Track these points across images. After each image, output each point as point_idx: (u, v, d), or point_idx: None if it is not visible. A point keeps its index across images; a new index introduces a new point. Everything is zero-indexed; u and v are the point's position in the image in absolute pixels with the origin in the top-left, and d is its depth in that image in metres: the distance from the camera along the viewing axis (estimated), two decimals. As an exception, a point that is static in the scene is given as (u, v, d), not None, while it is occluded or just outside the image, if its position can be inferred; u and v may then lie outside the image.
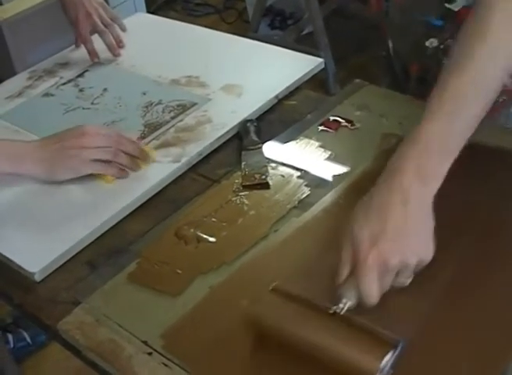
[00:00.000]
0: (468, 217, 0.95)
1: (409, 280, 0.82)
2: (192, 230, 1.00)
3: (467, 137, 0.85)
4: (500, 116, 1.36)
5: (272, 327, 0.80)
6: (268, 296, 0.83)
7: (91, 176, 1.10)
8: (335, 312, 0.79)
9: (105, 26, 1.44)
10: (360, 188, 1.02)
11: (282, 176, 1.08)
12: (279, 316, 0.81)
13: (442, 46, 1.24)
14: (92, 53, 1.45)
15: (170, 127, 1.21)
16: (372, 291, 0.79)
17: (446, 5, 1.20)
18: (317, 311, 0.80)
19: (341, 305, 0.79)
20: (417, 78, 1.33)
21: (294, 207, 1.02)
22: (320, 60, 1.36)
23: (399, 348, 0.76)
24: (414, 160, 0.83)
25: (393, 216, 0.80)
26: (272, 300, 0.83)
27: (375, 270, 0.78)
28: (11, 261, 0.99)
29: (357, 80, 1.28)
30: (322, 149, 1.13)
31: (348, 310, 0.79)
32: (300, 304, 0.81)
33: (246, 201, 1.04)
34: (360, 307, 0.80)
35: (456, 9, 1.19)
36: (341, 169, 1.08)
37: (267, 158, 1.12)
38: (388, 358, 0.75)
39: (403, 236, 0.80)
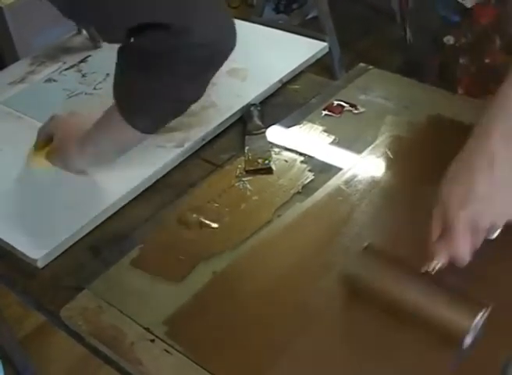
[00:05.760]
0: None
1: (496, 234, 0.84)
2: (195, 216, 0.99)
3: None
4: None
5: (366, 286, 0.83)
6: (362, 255, 0.85)
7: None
8: (426, 272, 0.80)
9: None
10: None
11: (286, 161, 1.07)
12: (373, 275, 0.83)
13: (457, 44, 1.22)
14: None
15: (173, 112, 1.21)
16: (464, 251, 0.80)
17: (459, 0, 1.18)
18: (408, 270, 0.82)
19: (432, 265, 0.80)
20: (438, 73, 1.30)
21: (298, 192, 1.01)
22: (324, 44, 1.35)
23: (488, 310, 0.77)
24: (500, 123, 0.83)
25: (480, 179, 0.81)
26: (365, 259, 0.85)
27: (466, 231, 0.79)
28: (13, 247, 0.99)
29: (362, 64, 1.27)
30: (326, 134, 1.12)
31: (440, 269, 0.81)
32: (391, 264, 0.84)
33: (249, 187, 1.03)
34: (450, 266, 0.81)
35: (468, 6, 1.17)
36: (345, 154, 1.07)
37: (270, 143, 1.11)
38: (479, 318, 0.76)
39: (491, 197, 0.80)
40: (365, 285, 0.83)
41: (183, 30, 0.91)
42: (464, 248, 0.80)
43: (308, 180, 1.03)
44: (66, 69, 1.39)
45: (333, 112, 1.16)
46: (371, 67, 1.26)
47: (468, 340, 0.76)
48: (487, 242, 0.82)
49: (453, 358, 0.77)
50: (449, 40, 1.22)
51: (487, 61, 1.21)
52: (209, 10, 0.96)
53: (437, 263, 0.81)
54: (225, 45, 0.98)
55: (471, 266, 0.80)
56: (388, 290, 0.81)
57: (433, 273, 0.80)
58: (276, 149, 1.10)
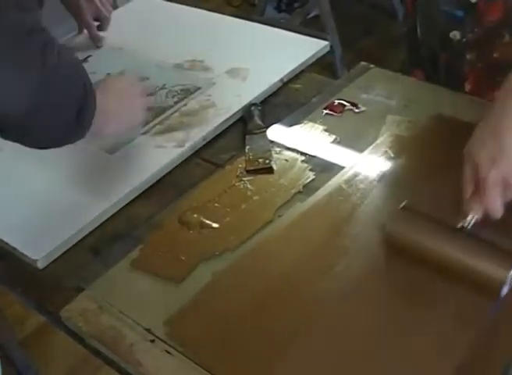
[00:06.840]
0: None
1: None
2: (195, 216, 0.99)
3: None
4: None
5: (409, 242, 0.88)
6: (402, 214, 0.90)
7: (94, 162, 1.10)
8: (462, 227, 0.86)
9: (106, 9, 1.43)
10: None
11: (287, 160, 1.07)
12: (413, 230, 0.88)
13: (464, 39, 1.21)
14: (96, 39, 1.44)
15: (174, 112, 1.20)
16: (496, 206, 0.85)
17: None
18: (445, 226, 0.87)
19: (468, 219, 0.86)
20: (446, 70, 1.29)
21: (299, 192, 1.01)
22: (325, 43, 1.34)
23: None
24: None
25: (509, 138, 0.86)
26: (406, 218, 0.90)
27: (498, 187, 0.85)
28: (14, 248, 0.98)
29: (363, 63, 1.27)
30: (327, 133, 1.11)
31: (474, 224, 0.86)
32: (429, 221, 0.89)
33: (250, 187, 1.03)
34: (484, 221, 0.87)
35: (473, 1, 1.16)
36: (346, 153, 1.07)
37: (271, 143, 1.11)
38: None
39: None
40: (406, 241, 0.88)
41: None
42: (496, 203, 0.85)
43: (309, 179, 1.03)
44: (67, 69, 1.38)
45: (334, 112, 1.16)
46: (372, 66, 1.26)
47: (505, 289, 0.80)
48: None
49: (492, 307, 0.81)
50: (455, 35, 1.21)
51: (495, 55, 1.20)
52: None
53: (472, 218, 0.86)
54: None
55: (504, 219, 0.85)
56: (428, 244, 0.86)
57: (469, 227, 0.85)
58: (277, 149, 1.10)
